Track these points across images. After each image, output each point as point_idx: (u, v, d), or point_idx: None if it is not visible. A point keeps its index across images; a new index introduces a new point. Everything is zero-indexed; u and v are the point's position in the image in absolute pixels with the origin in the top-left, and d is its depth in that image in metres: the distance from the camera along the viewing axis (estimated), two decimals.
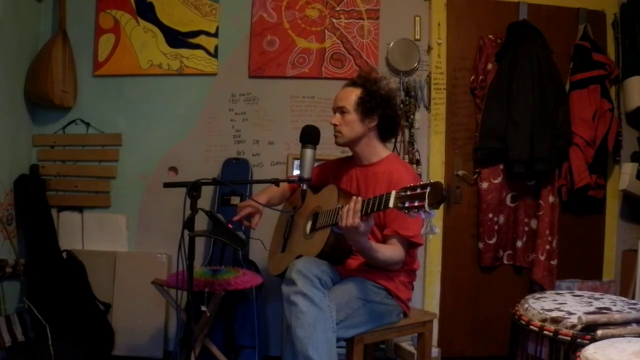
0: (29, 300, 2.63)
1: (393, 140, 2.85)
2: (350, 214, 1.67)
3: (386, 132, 2.12)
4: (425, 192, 1.42)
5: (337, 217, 1.77)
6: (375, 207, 1.62)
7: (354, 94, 2.05)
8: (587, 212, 3.07)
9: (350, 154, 2.19)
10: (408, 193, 1.48)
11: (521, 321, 1.85)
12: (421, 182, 1.48)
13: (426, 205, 1.41)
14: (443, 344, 2.97)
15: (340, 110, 2.06)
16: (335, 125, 2.07)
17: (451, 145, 3.03)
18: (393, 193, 1.55)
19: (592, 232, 3.09)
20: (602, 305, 1.88)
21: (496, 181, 2.97)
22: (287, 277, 1.82)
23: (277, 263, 2.23)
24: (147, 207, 3.00)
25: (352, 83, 2.10)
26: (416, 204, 1.44)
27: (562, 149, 2.88)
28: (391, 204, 1.54)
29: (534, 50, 2.86)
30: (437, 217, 2.94)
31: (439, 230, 2.01)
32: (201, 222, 1.88)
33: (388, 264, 1.91)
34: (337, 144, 2.12)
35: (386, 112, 2.05)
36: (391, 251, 1.88)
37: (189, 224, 1.68)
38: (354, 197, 1.70)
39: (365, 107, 2.02)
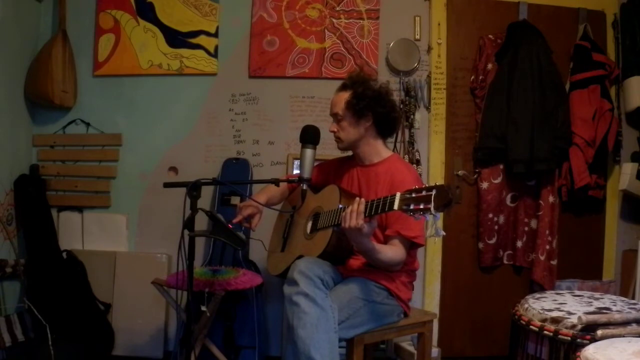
0: (29, 300, 2.63)
1: (393, 140, 2.86)
2: (354, 215, 1.66)
3: (384, 130, 2.10)
4: (431, 194, 1.41)
5: (339, 218, 1.76)
6: (380, 208, 1.61)
7: (343, 98, 2.04)
8: (587, 212, 3.07)
9: (350, 153, 2.19)
10: (413, 195, 1.47)
11: (521, 321, 1.85)
12: (425, 185, 1.46)
13: (432, 209, 1.39)
14: (443, 344, 2.97)
15: (335, 117, 2.07)
16: (333, 132, 2.09)
17: (451, 145, 3.03)
18: (398, 195, 1.53)
19: (592, 232, 3.09)
20: (602, 305, 1.88)
21: (496, 181, 2.97)
22: (289, 277, 1.82)
23: (277, 263, 2.23)
24: (147, 207, 3.00)
25: (342, 87, 2.10)
26: (422, 206, 1.43)
27: (562, 149, 2.88)
28: (396, 206, 1.53)
29: (534, 50, 2.86)
30: None
31: (444, 233, 1.99)
32: (201, 222, 1.88)
33: (390, 265, 1.90)
34: (339, 149, 2.13)
35: (378, 110, 2.03)
36: (393, 252, 1.88)
37: (189, 224, 1.68)
38: (357, 199, 1.69)
39: (354, 110, 2.01)
